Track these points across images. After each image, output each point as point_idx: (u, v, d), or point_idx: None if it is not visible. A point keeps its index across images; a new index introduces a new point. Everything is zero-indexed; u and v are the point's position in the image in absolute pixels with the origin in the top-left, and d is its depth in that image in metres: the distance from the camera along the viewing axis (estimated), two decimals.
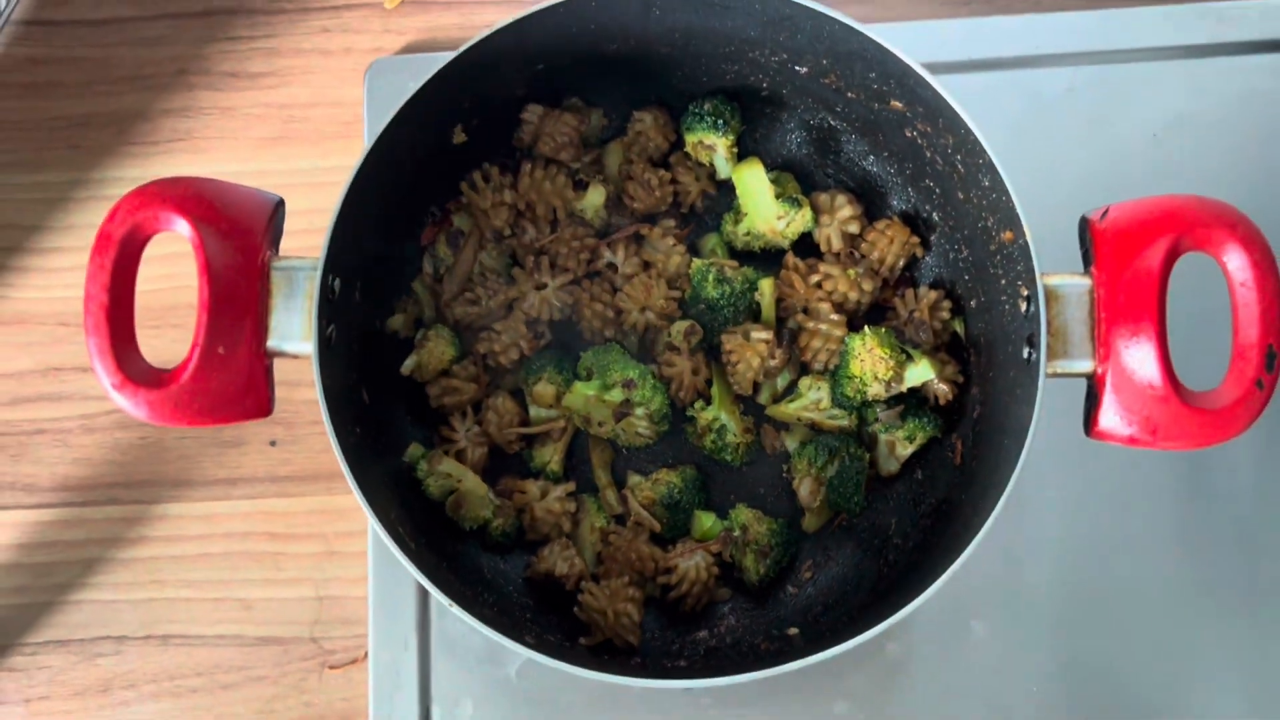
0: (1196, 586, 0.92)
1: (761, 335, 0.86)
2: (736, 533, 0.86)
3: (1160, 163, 0.98)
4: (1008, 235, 0.76)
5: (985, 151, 0.75)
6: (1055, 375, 0.72)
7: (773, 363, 0.86)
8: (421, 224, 0.92)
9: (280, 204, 0.77)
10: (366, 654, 0.95)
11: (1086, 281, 0.73)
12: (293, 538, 1.00)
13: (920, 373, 0.84)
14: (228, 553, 1.00)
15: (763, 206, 0.89)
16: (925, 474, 0.88)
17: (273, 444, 1.02)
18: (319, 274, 0.74)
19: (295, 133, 1.07)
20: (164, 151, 1.06)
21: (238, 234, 0.72)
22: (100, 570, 1.00)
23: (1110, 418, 0.72)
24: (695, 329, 0.87)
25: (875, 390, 0.83)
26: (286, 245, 0.76)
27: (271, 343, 0.74)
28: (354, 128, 1.05)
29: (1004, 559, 0.92)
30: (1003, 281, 0.79)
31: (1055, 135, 0.98)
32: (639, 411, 0.84)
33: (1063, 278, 0.73)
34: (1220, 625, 0.91)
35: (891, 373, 0.82)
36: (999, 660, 0.91)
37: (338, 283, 0.76)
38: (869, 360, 0.82)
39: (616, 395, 0.83)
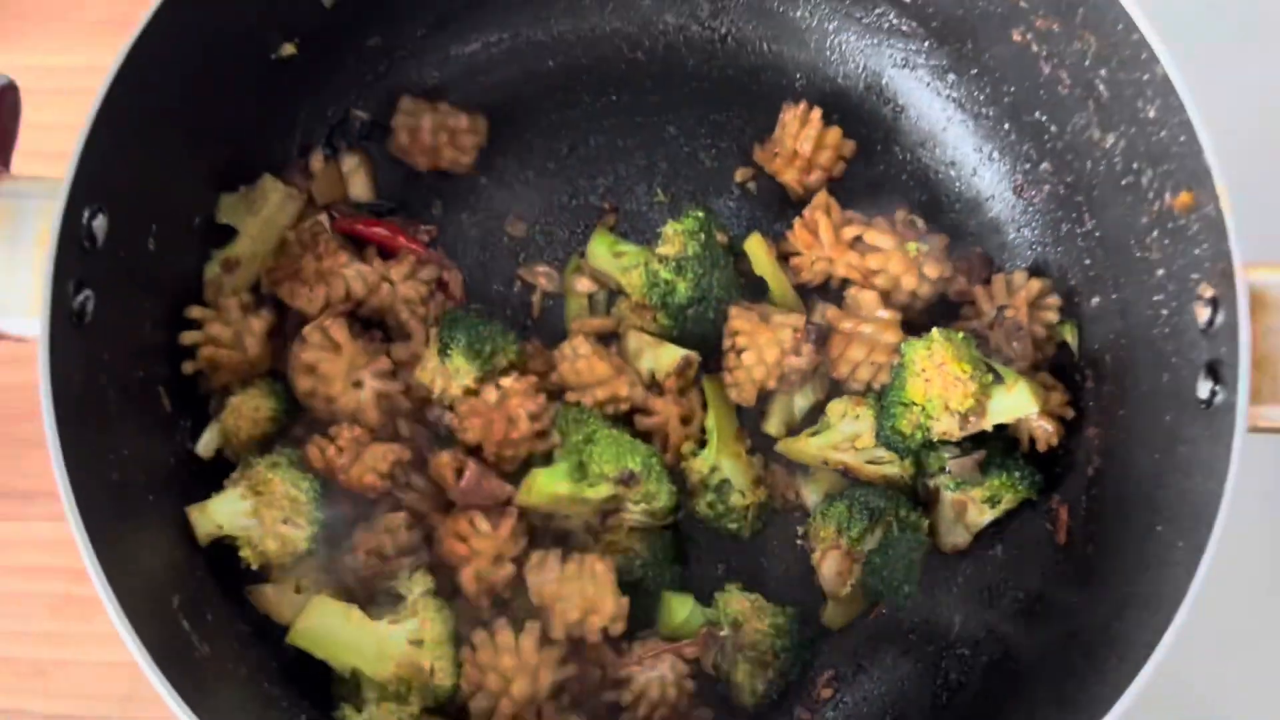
0: None
1: (787, 320, 0.70)
2: (724, 631, 0.70)
3: None
4: (1182, 199, 0.59)
5: (1157, 61, 0.57)
6: (1258, 429, 0.56)
7: (795, 361, 0.70)
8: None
9: (9, 91, 0.59)
10: None
11: None
12: None
13: (1013, 403, 0.68)
14: (17, 593, 0.85)
15: None
16: (1009, 553, 0.75)
17: None
18: (59, 205, 0.54)
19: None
20: None
21: None
22: None
23: None
24: (691, 361, 0.72)
25: (944, 426, 0.68)
26: None
27: None
28: None
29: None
30: (1160, 272, 0.63)
31: (1244, 60, 0.81)
32: (636, 507, 0.69)
33: (1275, 272, 0.57)
34: None
35: (970, 400, 0.67)
36: None
37: (103, 221, 0.58)
38: (937, 380, 0.68)
39: (603, 490, 0.67)
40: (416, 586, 0.64)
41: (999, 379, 0.68)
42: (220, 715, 0.54)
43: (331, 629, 0.63)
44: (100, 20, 0.92)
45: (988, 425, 0.69)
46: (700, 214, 0.71)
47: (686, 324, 0.71)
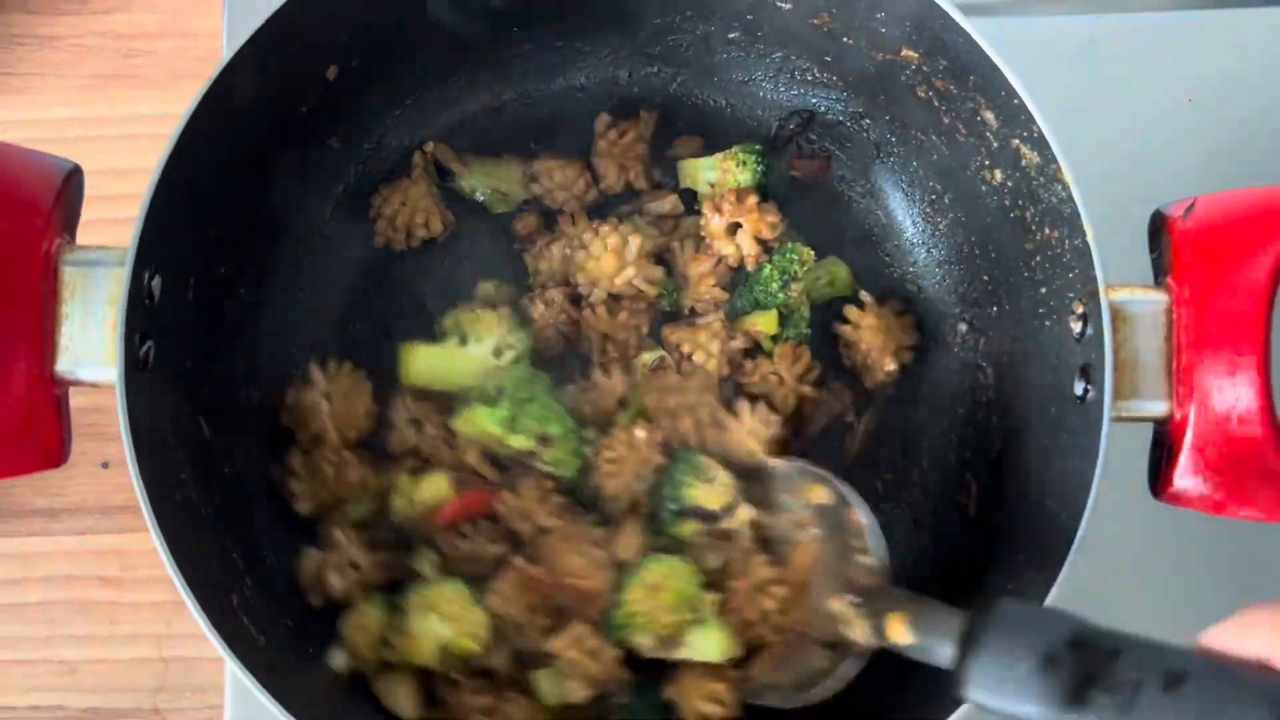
0: None
1: (711, 318, 0.77)
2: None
3: (1195, 133, 0.90)
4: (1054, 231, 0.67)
5: (1034, 121, 0.65)
6: (1120, 419, 0.63)
7: (735, 345, 0.78)
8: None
9: (75, 173, 0.64)
10: None
11: (1163, 298, 0.64)
12: (130, 583, 0.89)
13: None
14: (47, 602, 0.88)
15: None
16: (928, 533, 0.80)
17: (105, 466, 0.91)
18: (127, 270, 0.61)
19: (137, 70, 0.96)
20: None
21: (8, 212, 0.60)
22: None
23: (1188, 477, 0.63)
24: (666, 361, 0.78)
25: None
26: (108, 225, 0.65)
27: (62, 366, 0.62)
28: (209, 65, 0.89)
29: None
30: (1043, 290, 0.69)
31: (1070, 98, 0.87)
32: (545, 467, 0.73)
33: (1131, 292, 0.64)
34: None
35: None
36: None
37: (158, 281, 0.64)
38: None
39: (523, 443, 0.71)
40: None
41: None
42: (279, 691, 0.60)
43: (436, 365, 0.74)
44: (94, 75, 0.95)
45: None
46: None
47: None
